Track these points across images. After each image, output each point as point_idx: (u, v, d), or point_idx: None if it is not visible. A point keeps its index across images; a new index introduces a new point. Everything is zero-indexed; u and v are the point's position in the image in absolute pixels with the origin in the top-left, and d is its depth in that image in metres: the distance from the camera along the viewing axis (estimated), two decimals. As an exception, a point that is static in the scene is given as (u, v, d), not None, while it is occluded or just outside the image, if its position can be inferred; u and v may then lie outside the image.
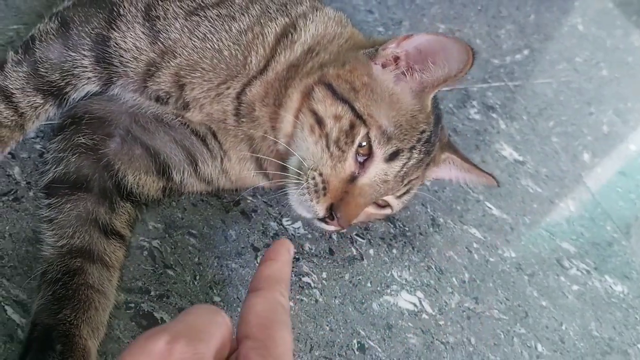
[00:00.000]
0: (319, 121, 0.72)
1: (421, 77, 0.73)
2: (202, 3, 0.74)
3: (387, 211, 0.81)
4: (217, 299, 0.73)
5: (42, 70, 0.70)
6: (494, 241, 0.96)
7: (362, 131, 0.70)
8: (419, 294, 0.84)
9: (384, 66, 0.74)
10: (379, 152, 0.71)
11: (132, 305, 0.69)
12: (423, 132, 0.74)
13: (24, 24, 0.91)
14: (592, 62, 1.51)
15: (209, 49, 0.72)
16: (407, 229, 0.92)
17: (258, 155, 0.79)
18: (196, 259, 0.76)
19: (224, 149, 0.80)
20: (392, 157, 0.72)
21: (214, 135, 0.79)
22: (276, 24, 0.76)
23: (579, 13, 1.67)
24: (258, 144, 0.78)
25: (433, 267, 0.88)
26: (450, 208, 0.98)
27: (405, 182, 0.76)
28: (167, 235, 0.77)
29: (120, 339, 0.66)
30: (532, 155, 1.15)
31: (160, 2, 0.73)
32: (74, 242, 0.67)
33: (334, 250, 0.84)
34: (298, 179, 0.72)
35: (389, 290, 0.83)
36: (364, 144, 0.71)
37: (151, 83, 0.73)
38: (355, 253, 0.85)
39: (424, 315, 0.82)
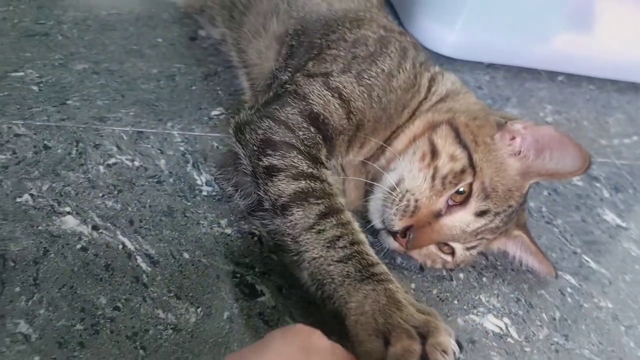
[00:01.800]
0: (434, 152, 0.79)
1: (533, 162, 0.80)
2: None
3: (449, 259, 0.83)
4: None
5: (300, 146, 0.79)
6: (589, 290, 0.95)
7: (468, 178, 0.77)
8: (506, 320, 0.85)
9: (502, 138, 0.81)
10: (474, 204, 0.78)
11: (238, 275, 0.77)
12: (510, 206, 0.80)
13: (185, 64, 1.10)
14: None
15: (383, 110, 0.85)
16: (498, 263, 0.94)
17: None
18: (295, 252, 0.83)
19: (346, 173, 0.88)
20: (480, 214, 0.78)
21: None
22: (425, 79, 0.89)
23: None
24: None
25: (523, 300, 0.89)
26: (546, 254, 0.98)
27: (479, 238, 0.81)
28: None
29: (225, 299, 0.73)
30: (636, 224, 1.14)
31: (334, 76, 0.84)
32: None
33: (425, 268, 0.88)
34: (390, 194, 0.79)
35: (475, 311, 0.85)
36: (463, 190, 0.77)
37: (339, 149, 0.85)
38: (445, 274, 0.88)
39: (510, 340, 0.82)
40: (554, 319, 0.88)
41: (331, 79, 0.82)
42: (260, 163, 0.76)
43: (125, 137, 0.91)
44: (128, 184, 0.84)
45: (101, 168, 0.85)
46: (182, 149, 0.92)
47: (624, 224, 1.13)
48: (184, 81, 1.07)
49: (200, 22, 1.23)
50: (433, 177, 0.78)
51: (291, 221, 0.71)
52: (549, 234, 1.03)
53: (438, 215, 0.78)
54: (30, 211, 0.76)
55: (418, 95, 0.87)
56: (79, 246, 0.73)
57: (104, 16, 1.19)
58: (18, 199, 0.77)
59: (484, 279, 0.90)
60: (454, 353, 0.60)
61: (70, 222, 0.76)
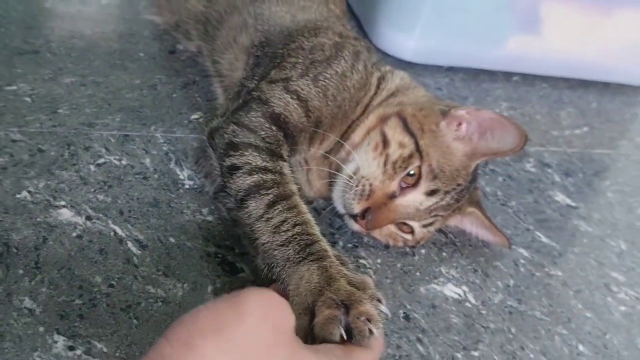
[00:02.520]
0: (385, 142, 0.88)
1: (477, 144, 0.88)
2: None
3: (409, 237, 0.92)
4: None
5: (259, 144, 0.86)
6: (541, 261, 1.05)
7: (416, 162, 0.85)
8: (464, 287, 0.94)
9: (448, 124, 0.89)
10: (424, 185, 0.86)
11: (220, 255, 0.85)
12: (459, 184, 0.88)
13: (165, 75, 1.20)
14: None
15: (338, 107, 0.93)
16: (457, 240, 1.03)
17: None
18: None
19: (308, 164, 0.97)
20: (431, 193, 0.87)
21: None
22: (375, 77, 0.98)
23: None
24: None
25: (480, 270, 0.98)
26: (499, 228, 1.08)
27: (433, 215, 0.89)
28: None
29: (208, 276, 0.81)
30: (585, 204, 1.24)
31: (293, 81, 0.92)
32: None
33: (389, 246, 0.97)
34: (349, 181, 0.88)
35: (436, 281, 0.94)
36: (413, 173, 0.86)
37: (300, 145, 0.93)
38: (408, 250, 0.97)
39: (467, 304, 0.91)
40: (508, 286, 0.97)
41: (290, 83, 0.91)
42: (224, 164, 0.84)
43: (112, 140, 1.00)
44: (117, 180, 0.92)
45: (92, 167, 0.93)
46: (165, 148, 1.01)
47: (573, 204, 1.23)
48: (165, 90, 1.16)
49: (177, 38, 1.33)
50: (385, 163, 0.86)
51: (247, 212, 0.78)
52: (503, 214, 1.13)
53: (392, 196, 0.86)
54: (29, 205, 0.84)
55: (369, 92, 0.96)
56: (74, 234, 0.82)
57: (89, 35, 1.28)
58: (17, 195, 0.85)
59: (444, 254, 0.99)
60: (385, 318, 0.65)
61: (66, 214, 0.84)
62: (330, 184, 0.93)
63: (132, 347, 0.70)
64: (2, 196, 0.84)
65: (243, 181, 0.80)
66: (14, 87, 1.06)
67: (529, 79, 1.71)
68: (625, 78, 1.82)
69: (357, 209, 0.87)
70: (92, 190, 0.89)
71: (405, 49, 1.52)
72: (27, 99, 1.04)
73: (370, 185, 0.86)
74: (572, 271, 1.04)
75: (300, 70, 0.93)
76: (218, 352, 0.44)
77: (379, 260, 0.94)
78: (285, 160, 0.86)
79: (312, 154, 0.96)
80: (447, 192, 0.88)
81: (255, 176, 0.80)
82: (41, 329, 0.69)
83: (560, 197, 1.24)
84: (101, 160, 0.95)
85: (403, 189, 0.87)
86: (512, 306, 0.93)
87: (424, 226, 0.91)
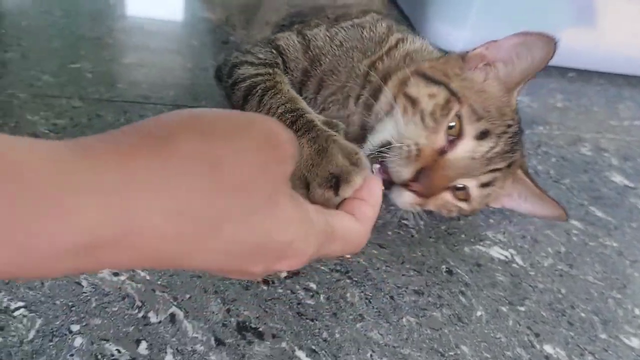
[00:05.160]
0: (413, 101, 0.79)
1: (508, 72, 0.80)
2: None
3: (464, 205, 0.82)
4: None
5: (254, 60, 0.90)
6: (595, 232, 1.01)
7: (456, 106, 0.76)
8: (512, 251, 0.92)
9: (472, 67, 0.83)
10: (470, 129, 0.76)
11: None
12: (510, 125, 0.80)
13: (217, 61, 1.25)
14: None
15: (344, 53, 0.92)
16: (505, 209, 1.01)
17: None
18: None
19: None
20: (481, 136, 0.77)
21: None
22: (395, 38, 0.95)
23: None
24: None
25: (529, 237, 0.95)
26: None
27: (490, 168, 0.79)
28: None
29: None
30: (644, 185, 1.19)
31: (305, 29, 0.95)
32: None
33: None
34: (388, 147, 0.77)
35: (482, 243, 0.92)
36: (454, 124, 0.76)
37: (304, 90, 0.93)
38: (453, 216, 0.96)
39: (514, 265, 0.89)
40: (559, 252, 0.94)
41: (306, 29, 0.93)
42: (228, 85, 0.86)
43: (165, 110, 1.04)
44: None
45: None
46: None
47: (631, 184, 1.18)
48: (216, 71, 1.21)
49: (228, 30, 1.39)
50: (422, 119, 0.77)
51: (247, 109, 0.79)
52: (556, 189, 1.10)
53: (442, 152, 0.77)
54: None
55: (384, 48, 0.92)
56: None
57: (148, 26, 1.36)
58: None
59: (491, 220, 0.97)
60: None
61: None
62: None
63: (174, 277, 0.72)
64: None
65: (239, 91, 0.82)
66: (78, 65, 1.12)
67: (584, 75, 1.67)
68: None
69: (407, 173, 0.75)
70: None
71: (457, 42, 1.52)
72: (89, 74, 1.10)
73: (416, 144, 0.76)
74: (629, 243, 1.00)
75: (322, 26, 0.95)
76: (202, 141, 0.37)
77: (422, 223, 0.92)
78: (281, 70, 0.87)
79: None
80: (499, 136, 0.78)
81: (248, 81, 0.82)
82: (88, 258, 0.72)
83: (618, 179, 1.19)
84: (154, 126, 0.99)
85: (451, 143, 0.77)
86: (563, 270, 0.90)
87: (482, 186, 0.81)
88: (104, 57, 1.18)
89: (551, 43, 0.77)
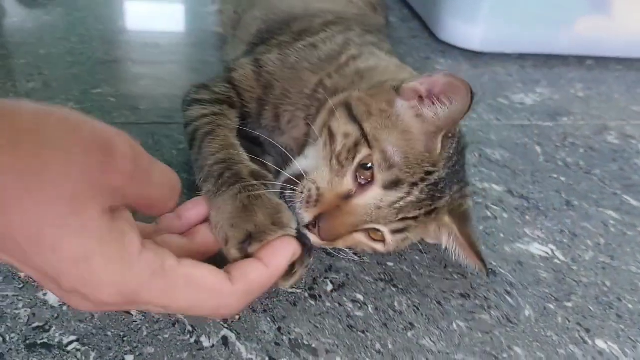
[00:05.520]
0: (331, 136, 0.74)
1: (435, 112, 0.72)
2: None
3: (379, 246, 0.75)
4: (364, 226, 0.88)
5: (207, 97, 0.87)
6: (632, 221, 1.00)
7: (364, 151, 0.71)
8: (551, 246, 0.91)
9: (406, 100, 0.74)
10: (379, 177, 0.70)
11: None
12: (430, 173, 0.72)
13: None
14: None
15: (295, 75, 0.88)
16: (540, 205, 1.00)
17: None
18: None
19: None
20: (390, 186, 0.70)
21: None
22: (348, 54, 0.89)
23: None
24: None
25: (567, 231, 0.95)
26: (586, 196, 1.05)
27: (400, 217, 0.72)
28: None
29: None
30: (676, 170, 1.18)
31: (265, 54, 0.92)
32: None
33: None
34: (295, 188, 0.73)
35: (521, 240, 0.91)
36: (370, 165, 0.71)
37: (262, 120, 0.90)
38: (489, 214, 0.96)
39: (556, 261, 0.88)
40: (599, 244, 0.93)
41: (265, 54, 0.91)
42: (183, 120, 0.85)
43: (190, 130, 1.04)
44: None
45: (174, 152, 0.97)
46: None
47: (663, 170, 1.17)
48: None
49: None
50: (330, 160, 0.73)
51: (191, 155, 0.77)
52: (587, 181, 1.09)
53: (348, 197, 0.71)
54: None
55: (331, 67, 0.87)
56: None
57: (162, 44, 1.37)
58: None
59: (527, 217, 0.96)
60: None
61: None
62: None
63: (220, 298, 0.71)
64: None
65: (186, 134, 0.81)
66: (100, 90, 1.13)
67: (602, 62, 1.66)
68: None
69: (307, 217, 0.71)
70: (177, 170, 0.93)
71: (472, 39, 1.52)
72: (112, 99, 1.10)
73: (318, 188, 0.71)
74: (669, 231, 0.99)
75: (284, 48, 0.93)
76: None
77: (459, 224, 0.92)
78: (233, 108, 0.85)
79: (296, 139, 0.89)
80: (414, 185, 0.71)
81: (192, 125, 0.79)
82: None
83: (648, 165, 1.18)
84: (181, 146, 0.99)
85: (362, 186, 0.71)
86: (605, 262, 0.89)
87: (395, 232, 0.74)
88: (122, 79, 1.18)
89: (468, 93, 0.68)
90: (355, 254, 0.81)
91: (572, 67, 1.61)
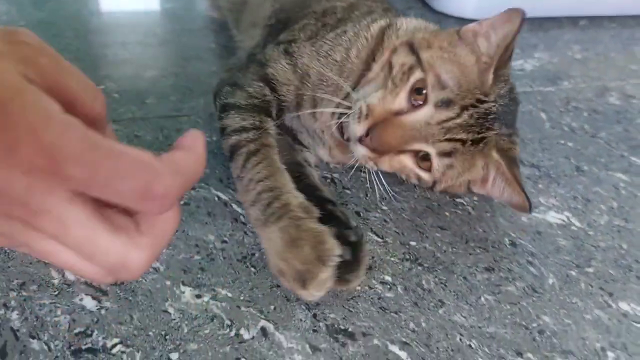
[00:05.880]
0: (390, 68, 0.80)
1: (488, 46, 0.77)
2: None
3: (425, 175, 0.80)
4: (385, 207, 0.89)
5: (243, 103, 0.87)
6: (641, 182, 1.02)
7: (417, 73, 0.76)
8: (567, 213, 0.93)
9: (465, 44, 0.79)
10: (432, 96, 0.75)
11: (317, 207, 0.87)
12: (480, 101, 0.76)
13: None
14: None
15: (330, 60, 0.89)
16: (551, 172, 1.02)
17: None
18: (367, 185, 0.93)
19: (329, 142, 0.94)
20: (441, 105, 0.74)
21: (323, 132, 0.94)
22: (375, 28, 0.90)
23: None
24: None
25: (579, 197, 0.96)
26: (594, 160, 1.06)
27: (447, 136, 0.75)
28: (344, 172, 0.96)
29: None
30: (679, 126, 1.20)
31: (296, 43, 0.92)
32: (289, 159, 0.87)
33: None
34: (347, 110, 0.80)
35: (536, 210, 0.93)
36: (423, 91, 0.75)
37: (301, 110, 0.91)
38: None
39: (573, 227, 0.90)
40: (612, 207, 0.95)
41: (293, 45, 0.90)
42: (219, 124, 0.86)
43: (200, 121, 1.04)
44: (211, 153, 0.96)
45: (186, 145, 0.97)
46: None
47: (667, 128, 1.19)
48: (239, 72, 1.21)
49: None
50: (385, 81, 0.78)
51: (232, 172, 0.81)
52: (594, 145, 1.11)
53: (398, 113, 0.76)
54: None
55: (370, 44, 0.89)
56: (182, 202, 0.86)
57: (160, 34, 1.35)
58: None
59: (540, 186, 0.98)
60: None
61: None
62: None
63: (254, 290, 0.73)
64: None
65: (226, 143, 0.83)
66: (102, 87, 1.12)
67: (596, 20, 1.67)
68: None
69: (359, 130, 0.77)
70: (191, 163, 0.93)
71: (465, 6, 1.52)
72: (116, 94, 1.10)
73: (368, 104, 0.77)
74: (678, 189, 1.01)
75: (310, 33, 0.92)
76: None
77: (475, 199, 0.94)
78: (270, 116, 0.86)
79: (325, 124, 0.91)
80: (464, 108, 0.75)
81: (234, 137, 0.82)
82: (168, 282, 0.73)
83: (652, 123, 1.20)
84: (193, 138, 0.99)
85: (414, 107, 0.75)
86: (620, 225, 0.91)
87: (442, 155, 0.77)
88: (125, 74, 1.17)
89: (519, 14, 0.74)
90: (377, 236, 0.83)
91: (567, 29, 1.62)
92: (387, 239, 0.83)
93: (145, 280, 0.73)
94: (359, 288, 0.75)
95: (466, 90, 0.75)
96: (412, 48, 0.80)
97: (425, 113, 0.75)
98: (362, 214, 0.87)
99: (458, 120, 0.75)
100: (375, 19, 0.93)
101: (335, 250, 0.68)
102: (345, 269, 0.70)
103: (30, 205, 0.33)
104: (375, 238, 0.83)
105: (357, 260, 0.73)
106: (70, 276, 0.72)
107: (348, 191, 0.91)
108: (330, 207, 0.79)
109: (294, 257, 0.67)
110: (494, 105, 0.76)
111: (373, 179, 0.83)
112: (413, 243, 0.83)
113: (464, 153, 0.77)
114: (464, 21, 1.53)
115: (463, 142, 0.76)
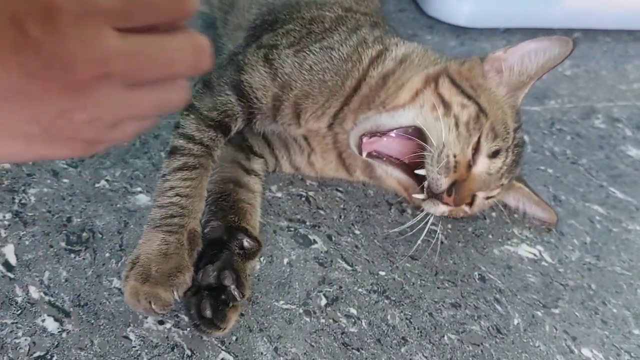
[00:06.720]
0: (445, 104, 0.79)
1: (519, 72, 0.82)
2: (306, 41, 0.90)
3: (467, 209, 0.85)
4: (357, 232, 0.89)
5: (205, 112, 0.86)
6: (617, 217, 1.02)
7: (486, 123, 0.78)
8: (539, 247, 0.93)
9: (489, 71, 0.83)
10: (485, 147, 0.78)
11: (292, 229, 0.87)
12: (515, 130, 0.82)
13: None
14: None
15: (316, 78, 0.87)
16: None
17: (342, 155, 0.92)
18: (341, 206, 0.93)
19: (311, 146, 0.94)
20: (494, 155, 0.79)
21: (305, 137, 0.93)
22: (372, 51, 0.88)
23: None
24: (343, 144, 0.90)
25: (554, 230, 0.96)
26: (573, 189, 1.06)
27: (501, 182, 0.82)
28: (320, 189, 0.95)
29: (283, 249, 0.83)
30: (661, 157, 1.20)
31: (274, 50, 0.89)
32: (224, 175, 0.87)
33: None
34: (422, 150, 0.78)
35: (509, 242, 0.93)
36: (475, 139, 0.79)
37: (279, 117, 0.89)
38: (478, 214, 0.97)
39: (544, 263, 0.90)
40: (585, 243, 0.95)
41: (274, 51, 0.87)
42: (178, 118, 0.86)
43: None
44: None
45: (162, 154, 0.96)
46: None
47: (647, 158, 1.19)
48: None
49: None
50: (457, 127, 0.78)
51: (164, 164, 0.81)
52: (574, 172, 1.11)
53: (469, 166, 0.79)
54: (108, 193, 0.88)
55: (361, 65, 0.87)
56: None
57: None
58: (96, 185, 0.89)
59: (515, 215, 0.98)
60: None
61: (143, 199, 0.88)
62: (344, 162, 0.92)
63: (218, 319, 0.72)
64: (83, 186, 0.88)
65: (173, 140, 0.83)
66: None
67: (590, 34, 1.65)
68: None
69: (445, 184, 0.77)
70: (165, 174, 0.92)
71: (459, 13, 1.50)
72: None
73: (455, 155, 0.77)
74: (651, 225, 1.01)
75: (292, 39, 0.90)
76: None
77: (449, 226, 0.94)
78: (227, 132, 0.86)
79: (311, 130, 0.91)
80: (508, 149, 0.81)
81: (181, 141, 0.82)
82: (131, 306, 0.72)
83: (634, 152, 1.20)
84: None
85: (472, 156, 0.79)
86: (591, 263, 0.92)
87: (487, 198, 0.85)
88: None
89: (569, 42, 0.81)
90: (347, 264, 0.82)
91: (560, 41, 1.60)
92: (356, 267, 0.83)
93: (109, 302, 0.72)
94: (323, 321, 0.75)
95: (505, 130, 0.80)
96: (457, 86, 0.81)
97: (483, 164, 0.79)
98: (333, 238, 0.87)
99: (508, 160, 0.81)
100: (366, 41, 0.90)
101: (184, 285, 0.70)
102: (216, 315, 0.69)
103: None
104: (345, 266, 0.83)
105: (224, 314, 0.70)
106: (34, 294, 0.71)
107: (322, 212, 0.91)
108: (232, 245, 0.77)
109: (157, 264, 0.70)
110: (520, 129, 0.85)
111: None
112: (382, 273, 0.83)
113: (502, 192, 0.87)
114: (457, 28, 1.52)
115: (506, 183, 0.84)
